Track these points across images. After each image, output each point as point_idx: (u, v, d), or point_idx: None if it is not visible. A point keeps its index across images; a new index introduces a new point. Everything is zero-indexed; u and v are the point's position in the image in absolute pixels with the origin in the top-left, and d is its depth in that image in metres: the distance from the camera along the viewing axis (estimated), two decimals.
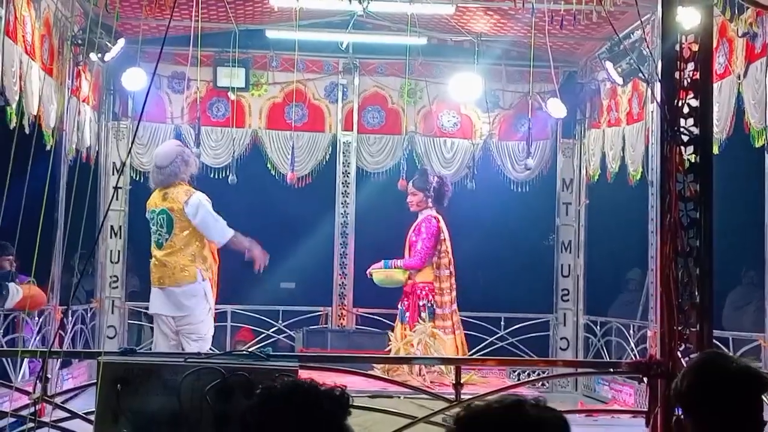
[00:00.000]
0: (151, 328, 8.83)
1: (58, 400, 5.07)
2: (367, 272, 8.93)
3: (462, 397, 5.10)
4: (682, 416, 3.09)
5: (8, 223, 4.97)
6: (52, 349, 5.68)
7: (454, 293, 8.78)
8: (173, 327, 7.46)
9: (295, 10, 8.96)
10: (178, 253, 7.42)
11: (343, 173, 11.07)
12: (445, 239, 8.71)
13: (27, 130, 7.38)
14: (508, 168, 10.99)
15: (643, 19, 8.16)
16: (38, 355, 5.51)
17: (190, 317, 7.42)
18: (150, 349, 8.43)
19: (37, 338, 8.49)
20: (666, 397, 4.79)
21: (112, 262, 10.73)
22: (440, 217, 8.81)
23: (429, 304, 8.57)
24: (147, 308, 8.35)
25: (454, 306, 8.79)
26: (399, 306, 8.84)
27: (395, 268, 8.67)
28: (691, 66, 5.11)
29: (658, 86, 5.50)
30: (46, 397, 4.87)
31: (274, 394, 2.32)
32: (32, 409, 4.81)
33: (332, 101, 11.04)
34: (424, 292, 8.59)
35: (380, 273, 8.79)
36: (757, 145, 7.24)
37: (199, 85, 10.40)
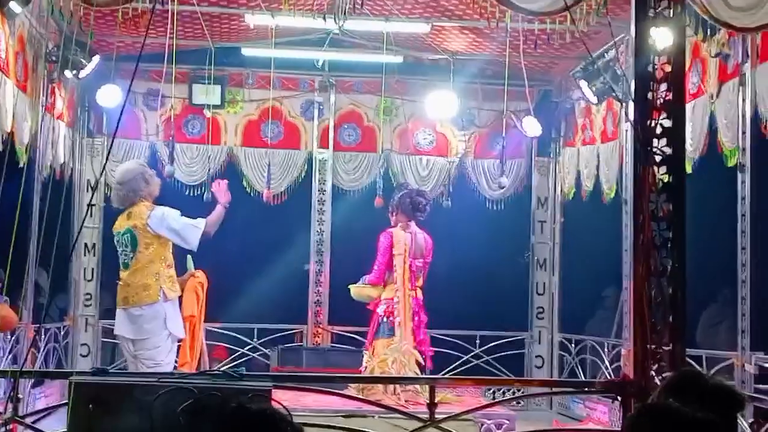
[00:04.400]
0: None
1: (29, 420, 5.02)
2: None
3: (436, 416, 5.08)
4: None
5: None
6: (23, 369, 5.62)
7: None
8: (131, 351, 7.37)
9: (271, 28, 8.97)
10: (142, 271, 7.34)
11: (318, 191, 11.06)
12: (397, 255, 8.59)
13: (0, 148, 7.35)
14: (483, 186, 11.01)
15: (616, 39, 8.21)
16: (9, 374, 5.44)
17: (146, 342, 7.28)
18: (124, 368, 8.34)
19: (9, 357, 8.40)
20: None
21: (86, 279, 10.68)
22: (393, 232, 8.67)
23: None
24: None
25: None
26: (381, 320, 8.54)
27: (364, 284, 8.61)
28: (664, 86, 5.15)
29: (631, 106, 5.54)
30: (17, 417, 4.83)
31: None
32: (3, 430, 4.77)
33: (308, 119, 11.03)
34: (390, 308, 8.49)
35: (354, 289, 8.70)
36: (729, 165, 7.30)
37: (175, 102, 10.37)
